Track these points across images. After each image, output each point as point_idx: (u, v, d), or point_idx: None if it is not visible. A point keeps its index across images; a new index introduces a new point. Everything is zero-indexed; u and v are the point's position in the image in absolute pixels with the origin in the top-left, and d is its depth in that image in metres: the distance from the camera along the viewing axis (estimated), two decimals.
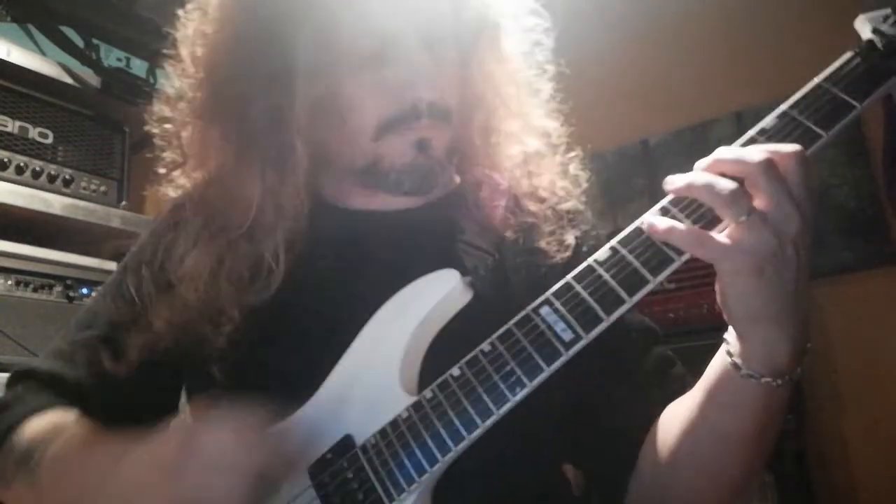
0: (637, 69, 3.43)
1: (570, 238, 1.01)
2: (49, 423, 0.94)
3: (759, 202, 0.71)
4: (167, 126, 1.02)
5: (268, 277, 0.95)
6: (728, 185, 0.71)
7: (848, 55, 0.85)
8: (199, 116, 1.00)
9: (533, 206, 1.04)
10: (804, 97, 0.84)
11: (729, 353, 0.78)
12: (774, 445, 0.86)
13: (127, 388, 0.98)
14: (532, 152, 1.07)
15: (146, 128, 1.04)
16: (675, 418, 0.88)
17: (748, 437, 0.81)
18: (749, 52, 3.16)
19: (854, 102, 0.82)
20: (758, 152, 0.72)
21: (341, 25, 0.92)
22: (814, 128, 0.81)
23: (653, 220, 0.76)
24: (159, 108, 1.02)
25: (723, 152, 0.75)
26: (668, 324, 2.90)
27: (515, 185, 1.06)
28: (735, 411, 0.80)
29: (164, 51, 1.03)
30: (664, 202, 0.79)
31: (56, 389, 1.00)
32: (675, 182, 0.75)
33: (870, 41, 0.86)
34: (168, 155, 1.03)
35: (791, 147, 0.74)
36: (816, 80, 0.85)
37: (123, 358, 0.97)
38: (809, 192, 0.73)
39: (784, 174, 0.72)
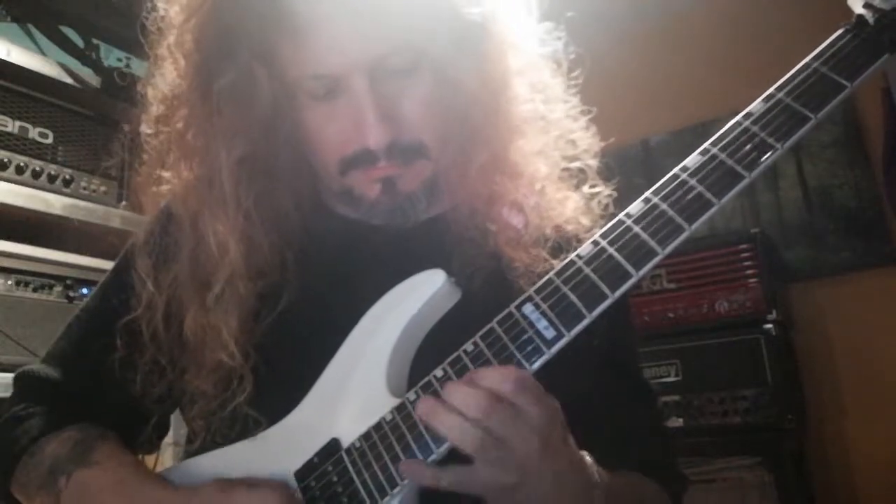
0: (637, 69, 3.42)
1: None
2: (70, 440, 0.96)
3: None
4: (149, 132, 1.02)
5: (274, 304, 0.94)
6: (463, 434, 0.72)
7: (839, 32, 0.82)
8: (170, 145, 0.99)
9: (540, 225, 1.01)
10: (792, 78, 0.81)
11: None
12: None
13: (128, 403, 0.99)
14: (549, 175, 1.03)
15: (141, 128, 1.04)
16: None
17: None
18: (749, 52, 3.15)
19: (844, 82, 0.79)
20: (478, 391, 0.72)
21: (291, 66, 0.89)
22: (802, 110, 0.79)
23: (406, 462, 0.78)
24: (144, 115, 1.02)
25: (452, 391, 0.74)
26: (668, 324, 2.89)
27: (522, 202, 1.02)
28: None
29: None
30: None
31: (61, 397, 1.02)
32: (422, 411, 0.76)
33: (860, 16, 0.81)
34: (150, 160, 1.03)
35: (513, 375, 0.74)
36: (805, 59, 0.81)
37: (130, 378, 0.98)
38: (539, 405, 0.74)
39: (509, 400, 0.73)
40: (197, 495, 0.84)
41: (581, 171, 1.04)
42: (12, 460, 0.97)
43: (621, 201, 0.82)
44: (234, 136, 0.91)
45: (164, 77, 0.97)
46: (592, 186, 1.04)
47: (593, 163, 1.04)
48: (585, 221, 1.02)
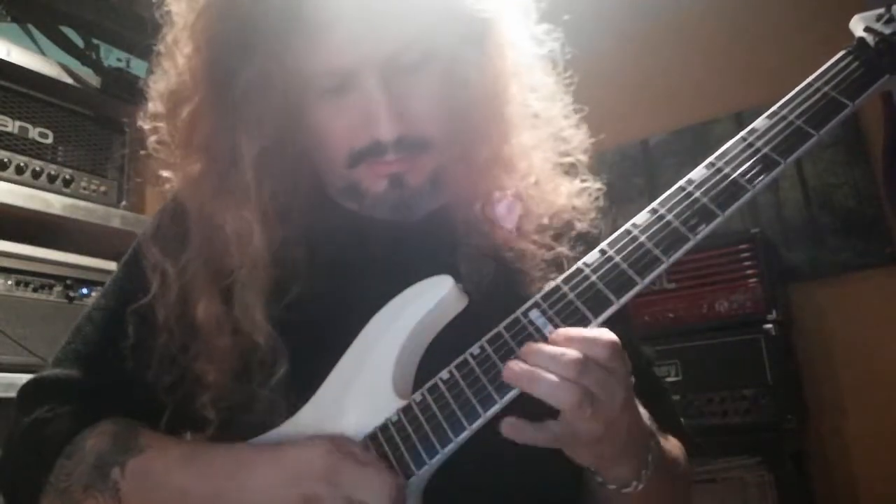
0: (637, 69, 3.42)
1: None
2: (108, 432, 0.93)
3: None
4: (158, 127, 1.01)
5: (281, 296, 0.94)
6: (563, 392, 0.75)
7: (840, 54, 0.87)
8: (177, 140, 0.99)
9: (543, 221, 1.02)
10: (795, 96, 0.85)
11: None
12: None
13: (151, 395, 0.97)
14: (543, 168, 1.04)
15: (139, 124, 1.03)
16: None
17: None
18: (749, 52, 3.16)
19: (846, 101, 0.83)
20: (572, 352, 0.76)
21: (305, 61, 0.90)
22: (805, 127, 0.83)
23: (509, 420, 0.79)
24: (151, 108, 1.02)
25: (538, 353, 0.77)
26: (668, 324, 2.89)
27: (524, 199, 1.03)
28: (604, 497, 0.89)
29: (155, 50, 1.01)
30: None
31: (86, 394, 0.99)
32: (514, 373, 0.78)
33: (861, 39, 0.87)
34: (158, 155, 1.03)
35: (603, 338, 0.77)
36: (808, 79, 0.86)
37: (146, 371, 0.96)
38: (624, 364, 0.78)
39: (600, 361, 0.76)
40: (294, 450, 0.83)
41: (572, 165, 1.07)
42: (46, 465, 0.92)
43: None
44: (255, 127, 0.91)
45: (172, 71, 0.97)
46: (583, 181, 1.07)
47: (584, 157, 1.07)
48: (578, 203, 1.05)
